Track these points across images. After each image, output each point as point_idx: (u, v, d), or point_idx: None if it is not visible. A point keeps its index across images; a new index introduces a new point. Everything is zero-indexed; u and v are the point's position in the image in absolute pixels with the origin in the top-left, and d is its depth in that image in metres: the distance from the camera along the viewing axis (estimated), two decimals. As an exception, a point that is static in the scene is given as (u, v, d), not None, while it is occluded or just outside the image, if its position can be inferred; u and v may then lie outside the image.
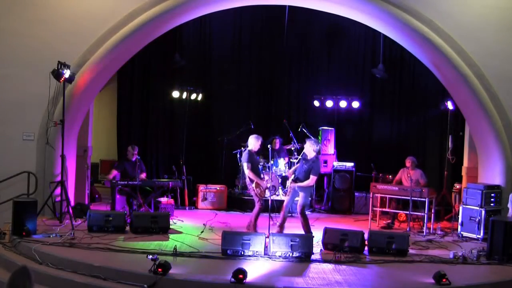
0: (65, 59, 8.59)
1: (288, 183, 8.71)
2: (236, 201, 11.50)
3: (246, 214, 10.44)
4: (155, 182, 9.87)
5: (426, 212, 9.32)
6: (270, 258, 7.09)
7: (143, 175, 9.95)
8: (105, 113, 13.03)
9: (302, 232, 8.28)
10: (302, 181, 8.37)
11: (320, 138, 12.02)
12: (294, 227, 9.36)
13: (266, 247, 7.24)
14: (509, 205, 8.51)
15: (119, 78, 12.69)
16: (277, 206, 9.84)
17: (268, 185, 8.63)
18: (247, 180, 8.73)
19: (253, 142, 8.75)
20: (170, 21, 9.80)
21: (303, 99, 13.20)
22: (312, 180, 8.31)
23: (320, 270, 6.77)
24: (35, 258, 6.78)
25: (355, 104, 12.72)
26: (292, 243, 7.15)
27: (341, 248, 7.49)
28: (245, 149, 8.95)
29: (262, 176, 8.76)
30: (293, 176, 8.57)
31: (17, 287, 2.87)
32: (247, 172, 8.61)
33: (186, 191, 11.39)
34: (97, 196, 11.62)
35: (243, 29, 13.06)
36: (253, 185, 8.57)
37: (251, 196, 8.95)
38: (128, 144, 10.91)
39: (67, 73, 8.48)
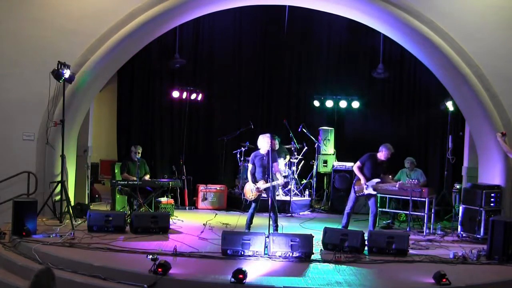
0: (65, 59, 8.60)
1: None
2: (236, 201, 11.49)
3: (246, 214, 10.42)
4: (155, 182, 9.86)
5: (426, 212, 9.32)
6: (270, 258, 7.08)
7: (147, 177, 9.93)
8: (105, 113, 13.02)
9: (301, 232, 8.27)
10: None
11: (319, 138, 12.03)
12: (294, 227, 9.41)
13: (266, 247, 7.23)
14: None
15: (119, 78, 12.68)
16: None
17: (264, 187, 8.53)
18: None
19: (259, 143, 8.60)
20: (170, 21, 9.80)
21: (303, 99, 13.20)
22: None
23: (320, 270, 6.76)
24: (35, 258, 6.78)
25: (355, 104, 12.72)
26: (292, 243, 7.14)
27: (341, 248, 7.49)
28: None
29: (253, 180, 8.64)
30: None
31: (41, 287, 2.85)
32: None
33: (186, 191, 11.39)
34: (97, 196, 11.62)
35: (243, 29, 13.04)
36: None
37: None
38: (128, 144, 10.88)
39: (67, 73, 8.48)
